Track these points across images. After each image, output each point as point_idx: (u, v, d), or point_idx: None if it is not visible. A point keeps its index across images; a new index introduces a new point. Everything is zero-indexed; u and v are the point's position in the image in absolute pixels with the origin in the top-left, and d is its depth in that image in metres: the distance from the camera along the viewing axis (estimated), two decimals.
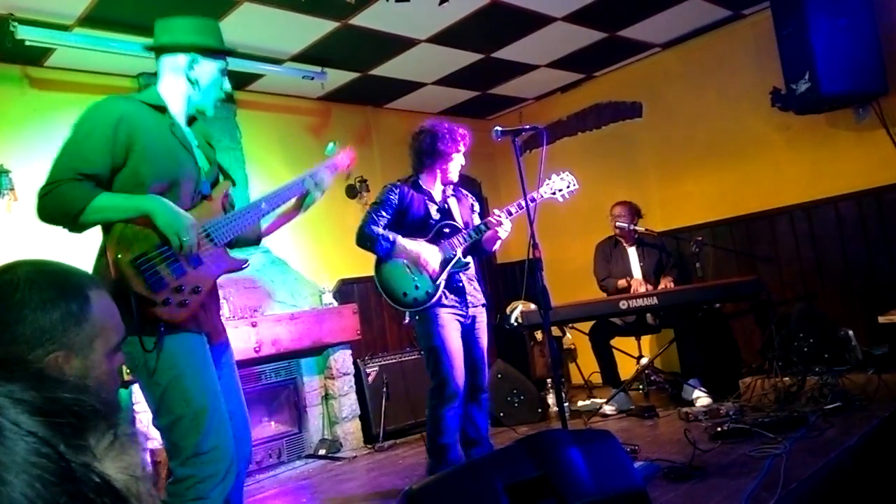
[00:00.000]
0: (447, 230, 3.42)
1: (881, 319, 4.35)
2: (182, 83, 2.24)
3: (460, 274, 3.40)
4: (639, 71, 6.02)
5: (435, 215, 3.43)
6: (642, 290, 4.88)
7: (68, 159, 1.98)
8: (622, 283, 5.01)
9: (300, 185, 2.44)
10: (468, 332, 3.40)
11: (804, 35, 4.47)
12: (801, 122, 5.03)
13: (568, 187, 3.53)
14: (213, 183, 2.31)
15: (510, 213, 3.42)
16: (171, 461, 2.04)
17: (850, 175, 4.92)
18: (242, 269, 2.30)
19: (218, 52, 2.28)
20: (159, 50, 2.25)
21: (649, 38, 5.54)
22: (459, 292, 3.37)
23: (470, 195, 3.66)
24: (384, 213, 3.34)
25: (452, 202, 3.52)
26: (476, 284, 3.49)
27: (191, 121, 2.32)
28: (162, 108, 2.19)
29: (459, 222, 3.48)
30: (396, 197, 3.38)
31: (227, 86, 2.34)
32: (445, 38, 4.86)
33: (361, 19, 4.37)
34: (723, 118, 5.53)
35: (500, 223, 3.37)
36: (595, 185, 6.24)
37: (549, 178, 3.53)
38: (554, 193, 3.52)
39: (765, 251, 5.29)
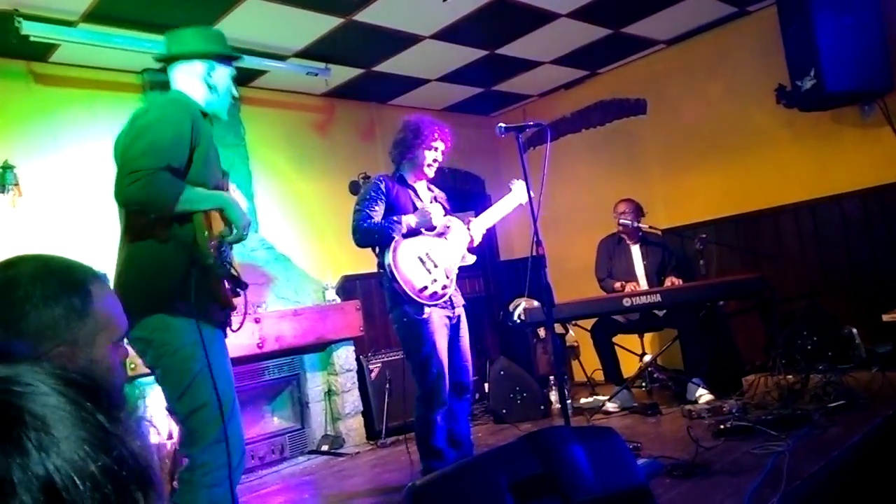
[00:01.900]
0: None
1: (885, 318, 4.34)
2: (200, 89, 2.36)
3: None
4: (643, 68, 6.01)
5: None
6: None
7: (157, 151, 2.07)
8: (618, 286, 4.99)
9: None
10: (453, 332, 3.37)
11: (810, 32, 4.45)
12: (805, 120, 5.02)
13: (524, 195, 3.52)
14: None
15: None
16: (187, 448, 2.11)
17: (854, 173, 4.90)
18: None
19: (231, 57, 2.45)
20: (174, 59, 2.38)
21: (654, 35, 5.53)
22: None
23: (443, 195, 3.63)
24: (375, 208, 3.29)
25: (436, 207, 3.45)
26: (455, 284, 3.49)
27: None
28: (206, 114, 2.37)
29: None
30: (383, 189, 3.34)
31: (236, 91, 2.48)
32: (450, 34, 4.85)
33: (365, 15, 4.36)
34: (727, 115, 5.51)
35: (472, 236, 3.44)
36: (599, 181, 6.24)
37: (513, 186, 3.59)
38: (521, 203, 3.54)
39: (769, 248, 5.28)
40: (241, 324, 2.35)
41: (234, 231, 2.20)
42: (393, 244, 3.21)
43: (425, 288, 3.23)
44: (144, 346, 2.15)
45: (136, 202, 2.07)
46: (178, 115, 2.18)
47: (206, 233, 2.12)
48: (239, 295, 2.29)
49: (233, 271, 2.25)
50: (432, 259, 3.30)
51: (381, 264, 3.28)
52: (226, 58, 2.42)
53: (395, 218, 3.25)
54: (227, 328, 2.34)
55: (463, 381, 3.39)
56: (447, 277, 3.31)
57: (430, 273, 3.27)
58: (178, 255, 2.12)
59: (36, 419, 0.46)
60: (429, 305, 3.23)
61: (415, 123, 3.37)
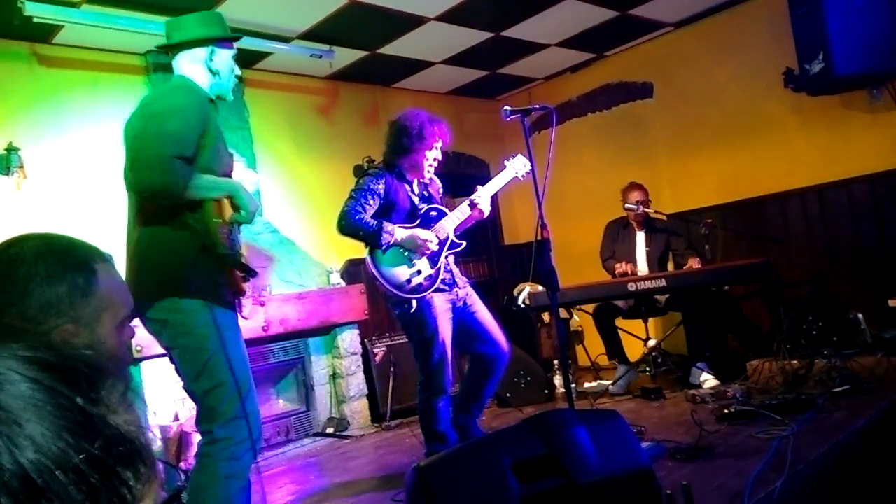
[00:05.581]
0: (434, 213, 3.38)
1: (891, 303, 4.33)
2: (203, 74, 2.40)
3: (448, 258, 3.36)
4: (650, 50, 5.96)
5: (420, 205, 3.37)
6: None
7: (168, 139, 2.12)
8: (619, 267, 4.99)
9: None
10: (465, 311, 3.35)
11: (819, 15, 4.40)
12: (814, 104, 4.98)
13: (524, 167, 3.50)
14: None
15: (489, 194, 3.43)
16: (206, 424, 2.19)
17: (863, 157, 4.87)
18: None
19: (231, 39, 2.48)
20: (177, 47, 2.40)
21: (661, 17, 5.47)
22: (450, 275, 3.34)
23: (436, 178, 3.54)
24: (370, 202, 3.21)
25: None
26: (456, 268, 3.45)
27: None
28: (212, 100, 2.40)
29: (442, 206, 3.44)
30: (382, 187, 3.25)
31: (238, 70, 2.52)
32: (455, 16, 4.81)
33: None
34: (735, 99, 5.47)
35: (480, 208, 3.37)
36: (605, 166, 6.21)
37: (509, 161, 3.56)
38: (516, 174, 3.52)
39: (775, 233, 5.25)
40: (248, 308, 2.43)
41: (244, 215, 2.27)
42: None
43: (409, 281, 3.19)
44: (160, 328, 2.22)
45: (149, 190, 2.12)
46: (187, 103, 2.22)
47: (218, 220, 2.20)
48: (248, 280, 2.36)
49: (242, 259, 2.32)
50: (417, 249, 3.23)
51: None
52: (226, 40, 2.45)
53: (388, 228, 3.15)
54: (239, 313, 2.40)
55: (500, 354, 3.36)
56: (432, 266, 3.26)
57: (412, 265, 3.22)
58: (190, 242, 2.19)
59: (5, 412, 0.42)
60: (414, 298, 3.18)
61: (416, 126, 3.26)
